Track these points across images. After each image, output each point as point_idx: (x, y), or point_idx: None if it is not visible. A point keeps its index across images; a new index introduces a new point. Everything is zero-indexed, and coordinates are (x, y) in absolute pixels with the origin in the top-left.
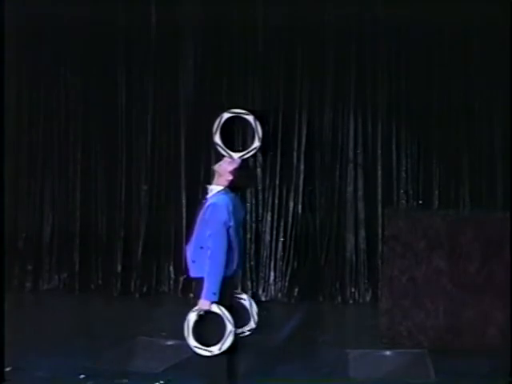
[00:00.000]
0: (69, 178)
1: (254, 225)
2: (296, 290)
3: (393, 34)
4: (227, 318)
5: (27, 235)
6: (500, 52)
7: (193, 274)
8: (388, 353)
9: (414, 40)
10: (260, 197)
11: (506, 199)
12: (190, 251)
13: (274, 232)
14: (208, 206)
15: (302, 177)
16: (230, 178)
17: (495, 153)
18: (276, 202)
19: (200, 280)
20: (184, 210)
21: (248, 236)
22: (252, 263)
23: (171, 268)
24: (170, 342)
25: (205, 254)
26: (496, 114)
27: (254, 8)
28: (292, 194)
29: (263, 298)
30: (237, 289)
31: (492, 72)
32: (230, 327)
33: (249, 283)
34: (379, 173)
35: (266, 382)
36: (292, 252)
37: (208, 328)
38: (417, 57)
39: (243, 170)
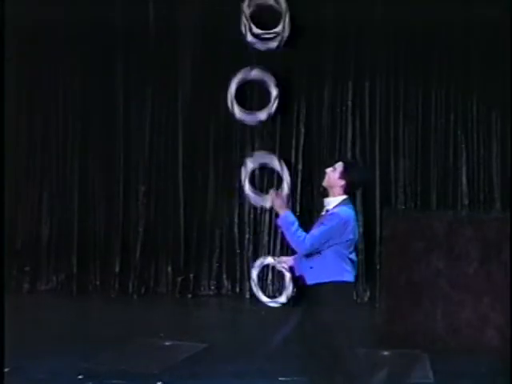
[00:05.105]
0: (67, 180)
1: (252, 226)
2: (294, 290)
3: (391, 34)
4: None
5: (26, 237)
6: (500, 52)
7: (311, 280)
8: (386, 353)
9: (413, 40)
10: None
11: (503, 200)
12: (304, 259)
13: (272, 233)
14: (331, 213)
15: (299, 177)
16: (343, 183)
17: (493, 154)
18: None
19: (317, 287)
20: (182, 211)
21: (246, 237)
22: (250, 264)
23: (169, 269)
24: (167, 343)
25: (323, 259)
26: (494, 115)
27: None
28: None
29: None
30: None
31: (491, 75)
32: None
33: (247, 284)
34: (377, 173)
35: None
36: (290, 253)
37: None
38: (415, 57)
39: (350, 168)
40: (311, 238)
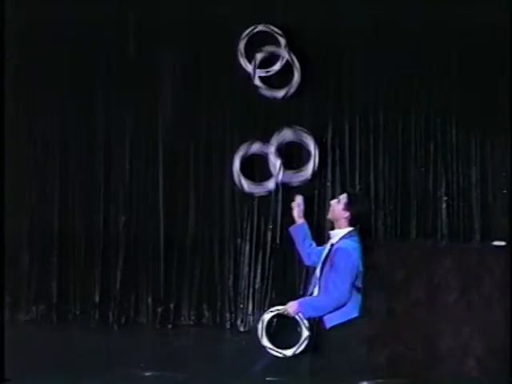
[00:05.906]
0: (46, 207)
1: (232, 256)
2: (275, 320)
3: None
4: (304, 324)
5: (4, 266)
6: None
7: (329, 323)
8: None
9: (392, 64)
10: (238, 228)
11: (483, 231)
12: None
13: (253, 263)
14: (336, 249)
15: (279, 207)
16: (347, 214)
17: (473, 184)
18: (254, 232)
19: (338, 328)
20: (162, 240)
21: (226, 267)
22: (231, 294)
23: (149, 299)
24: (148, 373)
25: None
26: (474, 146)
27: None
28: (270, 225)
29: (242, 329)
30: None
31: (470, 100)
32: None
33: (227, 314)
34: None
35: None
36: (270, 283)
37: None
38: (393, 83)
39: (354, 199)
40: (335, 293)
